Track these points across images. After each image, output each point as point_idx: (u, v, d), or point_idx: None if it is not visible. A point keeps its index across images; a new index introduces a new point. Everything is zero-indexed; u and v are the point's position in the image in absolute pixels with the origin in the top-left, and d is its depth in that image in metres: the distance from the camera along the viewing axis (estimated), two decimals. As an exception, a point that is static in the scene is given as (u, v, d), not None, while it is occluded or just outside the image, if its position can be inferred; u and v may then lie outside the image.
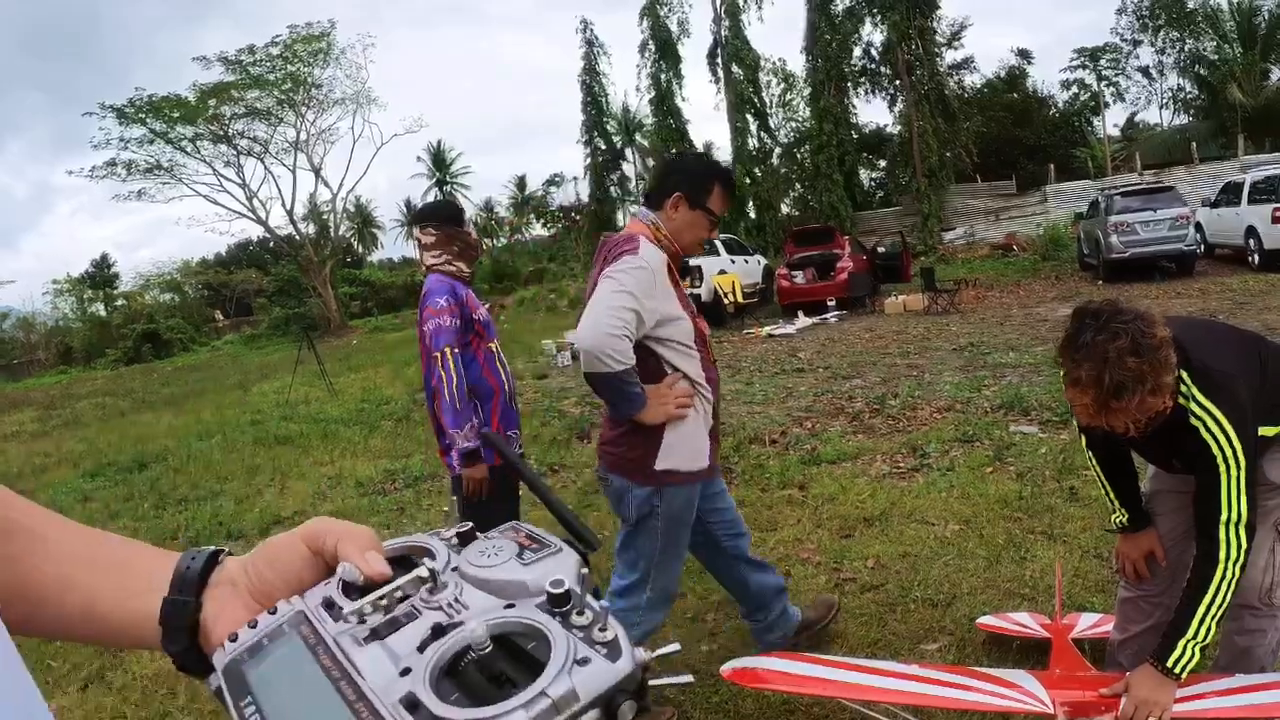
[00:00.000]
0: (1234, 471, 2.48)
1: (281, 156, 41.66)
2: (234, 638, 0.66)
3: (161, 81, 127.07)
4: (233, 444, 12.31)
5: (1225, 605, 2.53)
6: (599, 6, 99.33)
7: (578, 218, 38.33)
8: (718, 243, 22.37)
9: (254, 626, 0.66)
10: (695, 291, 19.58)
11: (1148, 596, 3.01)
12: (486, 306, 4.49)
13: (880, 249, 22.89)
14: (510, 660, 0.56)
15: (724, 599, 4.73)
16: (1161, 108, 47.87)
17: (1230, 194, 19.52)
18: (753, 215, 32.02)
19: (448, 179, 75.03)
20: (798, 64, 34.88)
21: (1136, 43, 43.95)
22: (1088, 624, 3.67)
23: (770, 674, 3.02)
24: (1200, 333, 2.72)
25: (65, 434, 16.90)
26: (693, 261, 20.03)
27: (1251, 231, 17.89)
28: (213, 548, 0.80)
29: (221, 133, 39.14)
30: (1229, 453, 2.48)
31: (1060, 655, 3.26)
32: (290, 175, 43.11)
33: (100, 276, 63.95)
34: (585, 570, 0.65)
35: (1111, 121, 49.22)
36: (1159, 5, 41.35)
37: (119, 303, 60.09)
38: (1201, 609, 2.52)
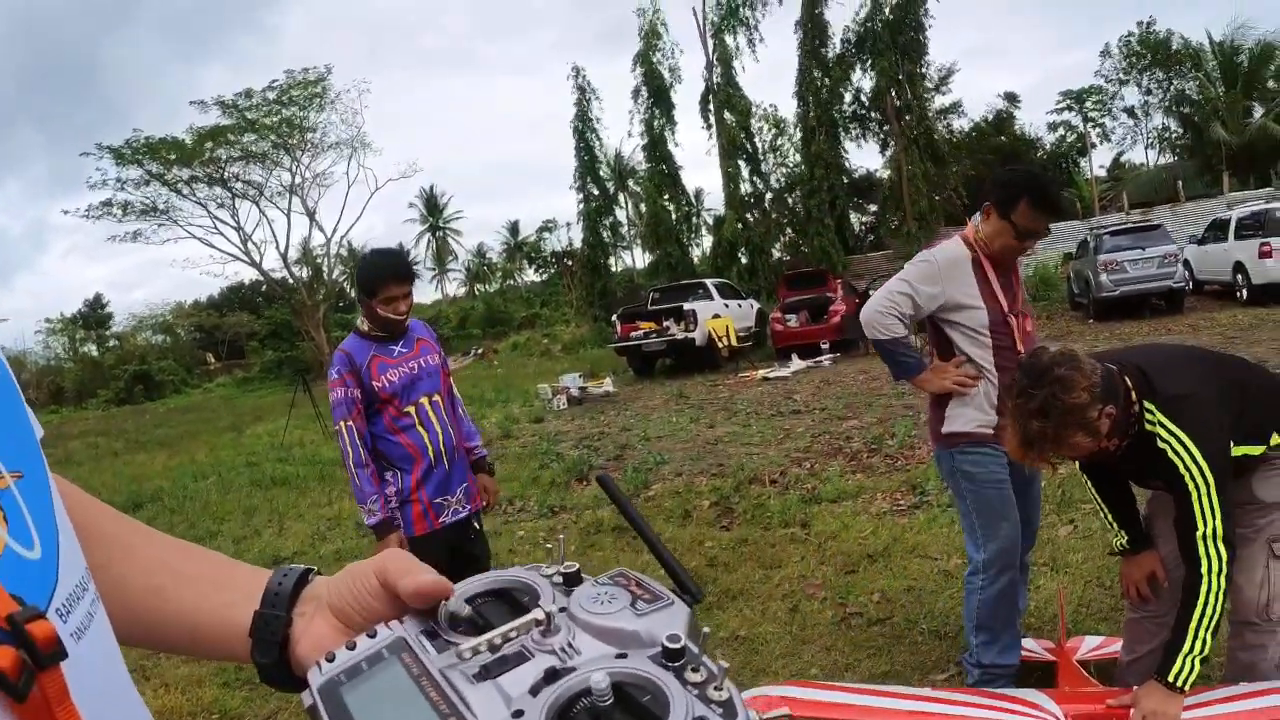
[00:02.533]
0: (1202, 487, 2.64)
1: (276, 200, 41.56)
2: (331, 657, 0.65)
3: (160, 123, 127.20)
4: (229, 485, 12.31)
5: (1217, 616, 2.65)
6: (594, 54, 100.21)
7: (570, 263, 38.38)
8: (711, 286, 22.49)
9: (352, 648, 0.66)
10: (689, 335, 19.67)
11: (1153, 617, 3.09)
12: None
13: (872, 291, 22.99)
14: (624, 712, 0.56)
15: (730, 635, 4.79)
16: (1147, 147, 48.57)
17: (1217, 230, 19.70)
18: (745, 260, 32.09)
19: (440, 224, 75.37)
20: (789, 109, 35.05)
21: (1123, 82, 44.59)
22: (1091, 646, 3.77)
23: (785, 701, 3.07)
24: (1166, 362, 2.90)
25: (58, 473, 16.73)
26: (686, 306, 20.14)
27: (1239, 267, 18.06)
28: (303, 566, 0.82)
29: (217, 175, 39.06)
30: (1194, 470, 2.64)
31: (1066, 675, 3.35)
32: (285, 219, 43.03)
33: (93, 317, 64.00)
34: (705, 630, 0.65)
35: (1098, 162, 49.90)
36: (1144, 47, 41.96)
37: (111, 343, 60.11)
38: (1194, 622, 2.64)
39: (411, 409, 3.94)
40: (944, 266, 3.58)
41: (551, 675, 0.58)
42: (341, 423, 3.85)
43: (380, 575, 0.74)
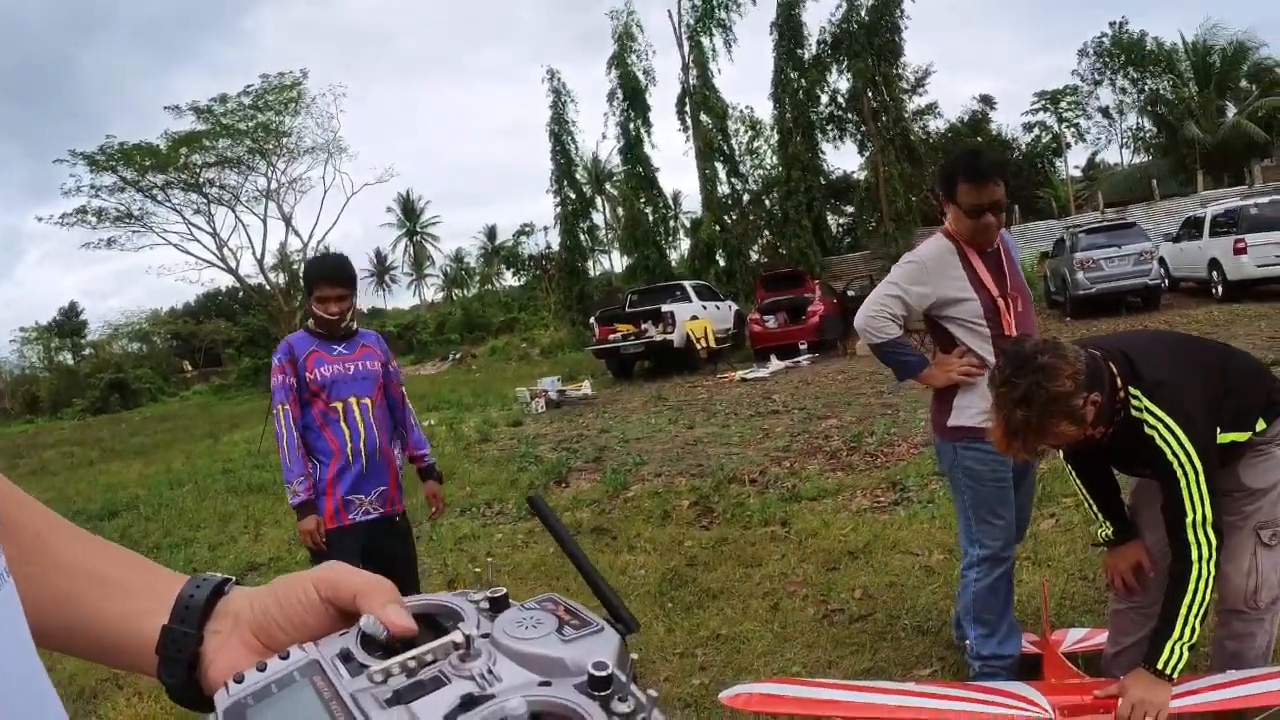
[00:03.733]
0: (1190, 474, 2.62)
1: (252, 205, 41.32)
2: (239, 679, 0.62)
3: (135, 129, 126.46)
4: (204, 492, 12.18)
5: (1206, 604, 2.63)
6: (572, 59, 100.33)
7: (548, 267, 38.27)
8: (690, 289, 22.49)
9: (262, 669, 0.63)
10: (667, 337, 19.64)
11: (1139, 608, 3.06)
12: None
13: (850, 292, 23.01)
14: None
15: (711, 634, 4.74)
16: (1122, 147, 48.93)
17: (1192, 228, 19.86)
18: (723, 262, 32.10)
19: (417, 229, 75.21)
20: (765, 111, 35.01)
21: (1098, 82, 44.91)
22: (1075, 638, 3.77)
23: (769, 699, 3.04)
24: (1150, 348, 2.89)
25: (33, 482, 16.62)
26: (664, 308, 20.13)
27: (1214, 264, 18.21)
28: (220, 576, 0.76)
29: (192, 181, 38.77)
30: (1183, 457, 2.62)
31: (1052, 666, 3.33)
32: (261, 224, 42.71)
33: (68, 325, 63.61)
34: (633, 656, 0.63)
35: (1073, 162, 50.19)
36: (1118, 48, 42.29)
37: (87, 352, 59.74)
38: (1183, 610, 2.62)
39: (339, 405, 4.11)
40: (931, 265, 3.63)
41: (468, 702, 0.56)
42: (279, 406, 4.07)
43: (326, 590, 0.70)
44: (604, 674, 0.55)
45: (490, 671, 0.59)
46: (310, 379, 4.08)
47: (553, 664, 0.59)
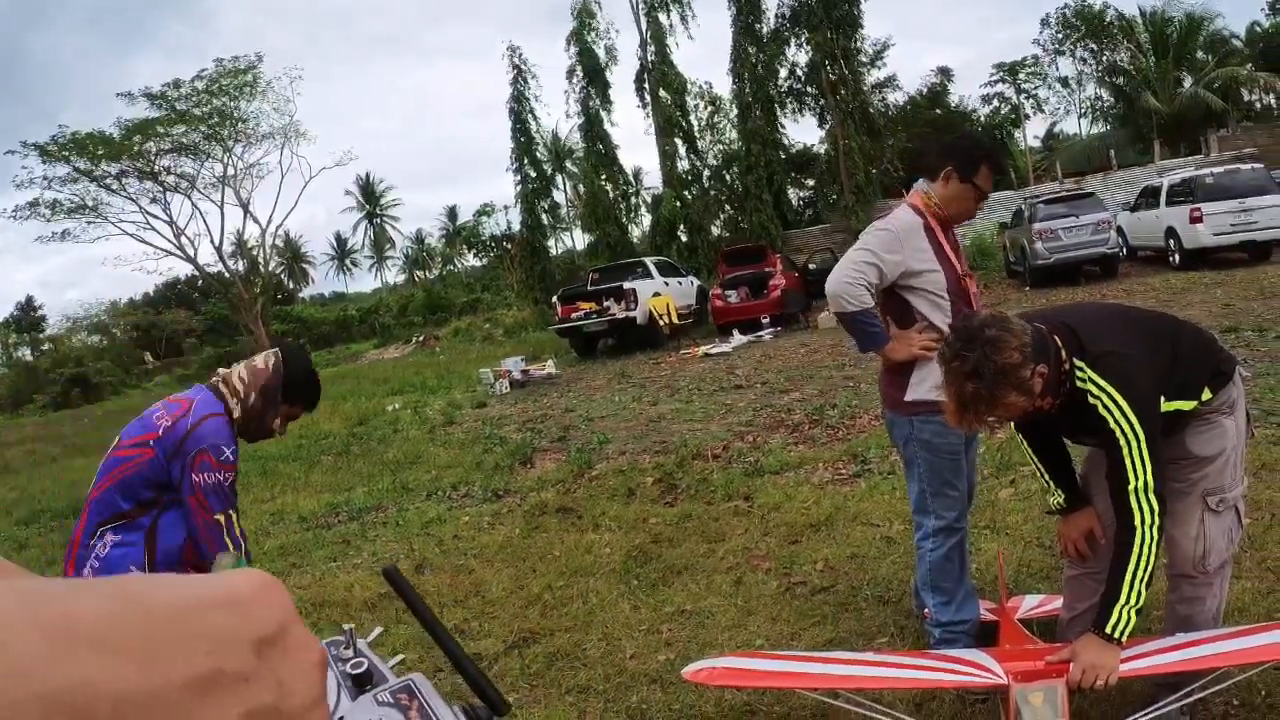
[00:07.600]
0: (1133, 441, 2.67)
1: (209, 192, 40.71)
2: None
3: (88, 118, 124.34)
4: (170, 484, 12.06)
5: (1150, 568, 2.69)
6: (535, 37, 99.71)
7: (509, 246, 38.02)
8: (651, 265, 22.47)
9: None
10: (630, 315, 19.64)
11: (1092, 573, 3.12)
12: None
13: (811, 266, 23.10)
14: None
15: (676, 610, 4.78)
16: (1080, 117, 49.37)
17: (1149, 197, 19.99)
18: (684, 238, 32.08)
19: (377, 212, 74.70)
20: (724, 86, 34.94)
21: (1058, 53, 45.25)
22: (1031, 605, 3.84)
23: (731, 673, 3.07)
24: (1095, 320, 2.94)
25: (-5, 481, 16.50)
26: (626, 285, 20.11)
27: (1171, 232, 18.34)
28: None
29: (147, 169, 38.20)
30: (1125, 425, 2.68)
31: (1008, 633, 3.40)
32: (218, 211, 42.15)
33: (26, 320, 62.74)
34: None
35: (1032, 133, 50.54)
36: (1079, 19, 42.59)
37: (46, 346, 58.93)
38: (1129, 574, 2.68)
39: None
40: (902, 234, 3.66)
41: None
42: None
43: None
44: None
45: None
46: None
47: None
